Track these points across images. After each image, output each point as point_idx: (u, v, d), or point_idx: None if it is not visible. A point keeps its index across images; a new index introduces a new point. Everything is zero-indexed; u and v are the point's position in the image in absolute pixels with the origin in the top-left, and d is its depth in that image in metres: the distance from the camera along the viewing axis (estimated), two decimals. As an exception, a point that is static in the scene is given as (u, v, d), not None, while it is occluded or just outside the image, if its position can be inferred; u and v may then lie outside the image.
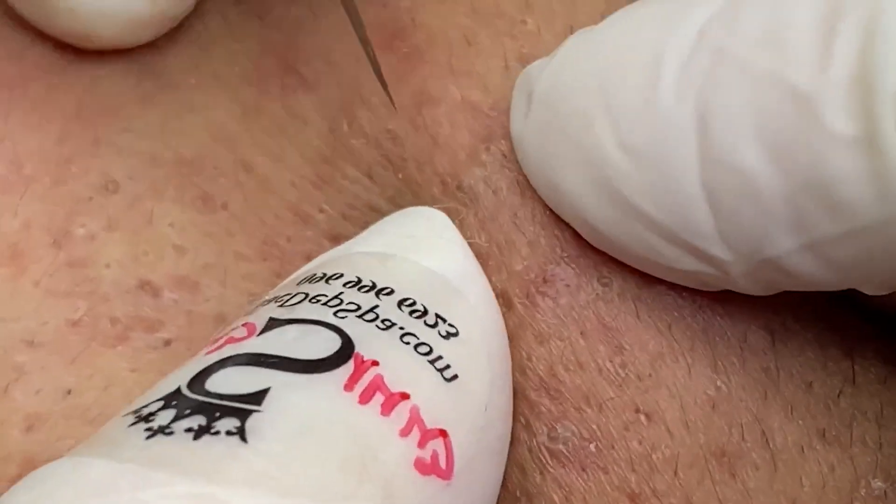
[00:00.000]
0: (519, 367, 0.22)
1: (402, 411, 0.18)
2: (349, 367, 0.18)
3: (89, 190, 0.24)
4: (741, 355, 0.22)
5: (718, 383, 0.21)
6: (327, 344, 0.18)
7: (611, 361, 0.22)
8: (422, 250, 0.21)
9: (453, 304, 0.20)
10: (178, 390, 0.17)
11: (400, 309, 0.20)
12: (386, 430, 0.17)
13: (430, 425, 0.18)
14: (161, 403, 0.17)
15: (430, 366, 0.19)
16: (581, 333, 0.22)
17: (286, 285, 0.21)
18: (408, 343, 0.19)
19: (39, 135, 0.24)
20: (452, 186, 0.24)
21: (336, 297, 0.20)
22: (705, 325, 0.22)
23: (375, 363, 0.18)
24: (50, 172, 0.24)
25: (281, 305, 0.20)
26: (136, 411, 0.17)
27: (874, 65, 0.16)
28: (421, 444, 0.18)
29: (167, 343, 0.23)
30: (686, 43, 0.18)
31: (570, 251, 0.22)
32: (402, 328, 0.19)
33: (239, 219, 0.24)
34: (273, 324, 0.19)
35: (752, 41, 0.17)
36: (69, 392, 0.22)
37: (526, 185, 0.23)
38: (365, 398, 0.18)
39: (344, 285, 0.20)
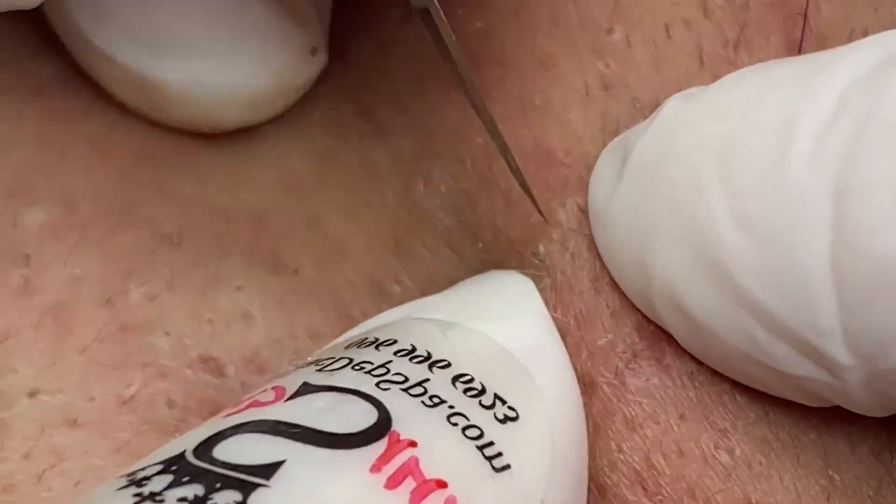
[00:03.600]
0: (608, 461, 0.19)
1: (434, 502, 0.15)
2: (381, 445, 0.15)
3: (152, 242, 0.21)
4: (850, 438, 0.18)
5: (829, 472, 0.18)
6: (361, 417, 0.16)
7: (717, 448, 0.19)
8: (491, 320, 0.19)
9: (517, 383, 0.18)
10: (182, 455, 0.15)
11: (454, 385, 0.17)
12: None
13: None
14: (160, 467, 0.15)
15: (478, 452, 0.16)
16: (680, 416, 0.19)
17: (333, 347, 0.19)
18: (455, 424, 0.16)
19: (98, 174, 0.21)
20: (528, 254, 0.21)
21: (382, 365, 0.17)
22: (805, 408, 0.18)
23: (413, 444, 0.15)
24: (108, 218, 0.21)
25: (320, 370, 0.17)
26: (130, 473, 0.15)
27: None
28: None
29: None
30: (826, 107, 0.16)
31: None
32: (451, 406, 0.17)
33: (310, 285, 0.22)
34: (305, 389, 0.17)
35: None
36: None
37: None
38: (393, 483, 0.15)
39: (395, 353, 0.18)
